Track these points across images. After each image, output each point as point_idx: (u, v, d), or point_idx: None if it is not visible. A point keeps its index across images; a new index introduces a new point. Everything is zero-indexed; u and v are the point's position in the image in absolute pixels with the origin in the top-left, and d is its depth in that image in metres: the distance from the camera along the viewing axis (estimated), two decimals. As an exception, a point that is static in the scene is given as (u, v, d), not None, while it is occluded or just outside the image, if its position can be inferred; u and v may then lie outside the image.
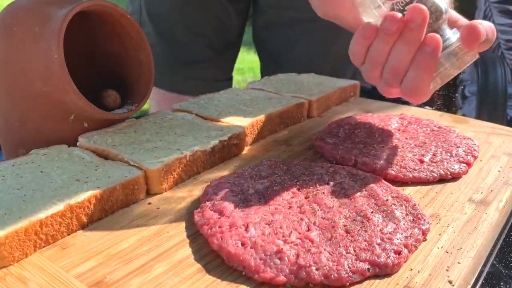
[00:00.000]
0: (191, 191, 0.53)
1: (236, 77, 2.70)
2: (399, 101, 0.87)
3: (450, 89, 1.92)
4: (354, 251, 0.40)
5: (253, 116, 0.67)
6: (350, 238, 0.42)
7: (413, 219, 0.45)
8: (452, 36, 0.51)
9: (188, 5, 1.05)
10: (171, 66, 1.10)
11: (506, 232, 0.48)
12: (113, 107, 0.64)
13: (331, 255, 0.40)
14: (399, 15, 0.49)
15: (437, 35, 0.49)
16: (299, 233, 0.42)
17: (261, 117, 0.67)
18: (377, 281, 0.39)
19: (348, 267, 0.39)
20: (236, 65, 1.22)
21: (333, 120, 0.71)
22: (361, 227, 0.43)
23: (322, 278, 0.38)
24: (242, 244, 0.41)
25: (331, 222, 0.44)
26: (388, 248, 0.41)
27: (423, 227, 0.44)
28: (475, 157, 0.59)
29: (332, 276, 0.38)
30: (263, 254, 0.39)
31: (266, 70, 1.13)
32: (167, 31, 1.08)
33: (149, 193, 0.52)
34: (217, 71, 1.14)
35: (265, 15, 1.11)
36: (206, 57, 1.10)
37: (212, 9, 1.06)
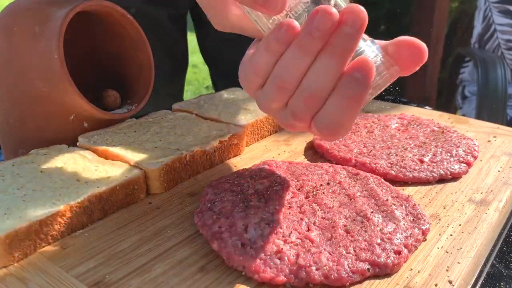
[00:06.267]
0: (191, 191, 0.53)
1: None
2: (399, 101, 0.87)
3: (450, 89, 1.92)
4: (354, 251, 0.40)
5: (253, 116, 0.67)
6: (350, 238, 0.42)
7: (413, 219, 0.45)
8: (367, 47, 0.37)
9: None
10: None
11: (506, 232, 0.48)
12: (113, 107, 0.64)
13: (331, 255, 0.40)
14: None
15: (369, 58, 0.35)
16: (299, 233, 0.42)
17: (261, 117, 0.67)
18: (377, 281, 0.39)
19: (348, 267, 0.39)
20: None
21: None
22: (361, 227, 0.43)
23: (322, 278, 0.38)
24: (242, 244, 0.41)
25: (331, 222, 0.44)
26: (388, 248, 0.41)
27: (423, 227, 0.44)
28: (475, 157, 0.59)
29: (332, 276, 0.38)
30: (263, 254, 0.39)
31: (221, 85, 1.01)
32: None
33: (149, 193, 0.52)
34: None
35: (211, 30, 1.03)
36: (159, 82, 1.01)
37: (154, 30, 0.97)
